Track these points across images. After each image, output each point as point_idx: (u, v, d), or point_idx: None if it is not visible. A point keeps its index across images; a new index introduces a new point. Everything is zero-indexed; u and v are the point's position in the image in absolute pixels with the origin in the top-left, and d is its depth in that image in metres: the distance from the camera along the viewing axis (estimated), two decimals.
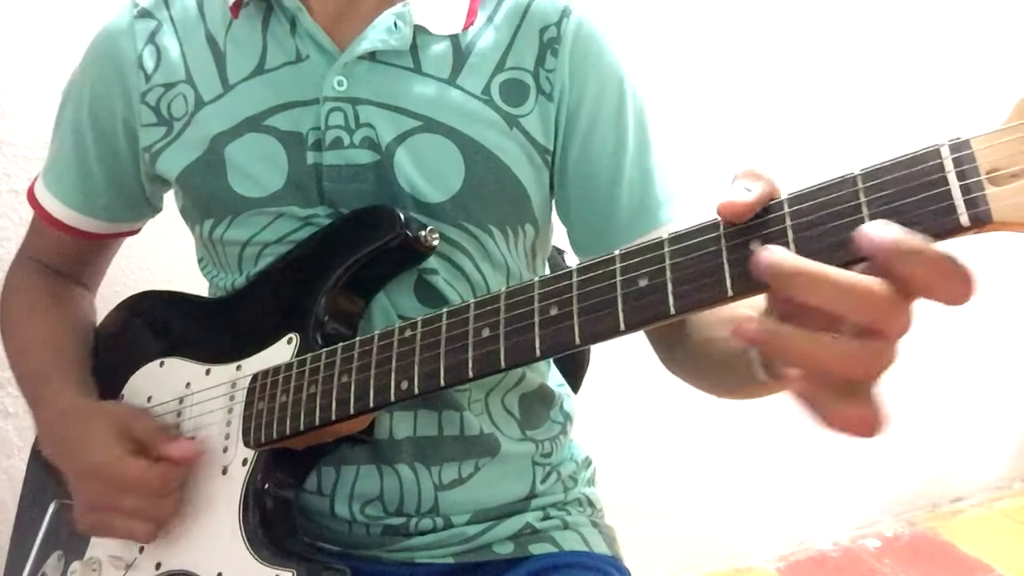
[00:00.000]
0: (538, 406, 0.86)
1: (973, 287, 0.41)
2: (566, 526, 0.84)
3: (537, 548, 0.81)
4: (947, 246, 0.41)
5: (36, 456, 0.88)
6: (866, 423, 0.45)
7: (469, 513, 0.80)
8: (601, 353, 1.05)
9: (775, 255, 0.42)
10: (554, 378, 0.90)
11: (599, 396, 1.18)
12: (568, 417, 0.89)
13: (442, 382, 0.59)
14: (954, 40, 1.91)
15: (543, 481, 0.84)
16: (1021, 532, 2.04)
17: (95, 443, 0.72)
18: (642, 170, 0.78)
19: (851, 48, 1.82)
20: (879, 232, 0.40)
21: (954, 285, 0.41)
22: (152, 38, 0.81)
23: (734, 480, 1.87)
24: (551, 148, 0.77)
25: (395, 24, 0.74)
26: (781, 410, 2.04)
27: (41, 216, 0.90)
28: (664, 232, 0.75)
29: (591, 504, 0.89)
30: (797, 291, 0.41)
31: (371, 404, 0.63)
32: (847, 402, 0.44)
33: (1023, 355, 2.13)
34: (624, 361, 1.36)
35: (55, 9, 1.21)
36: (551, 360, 0.90)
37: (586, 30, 0.77)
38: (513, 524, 0.81)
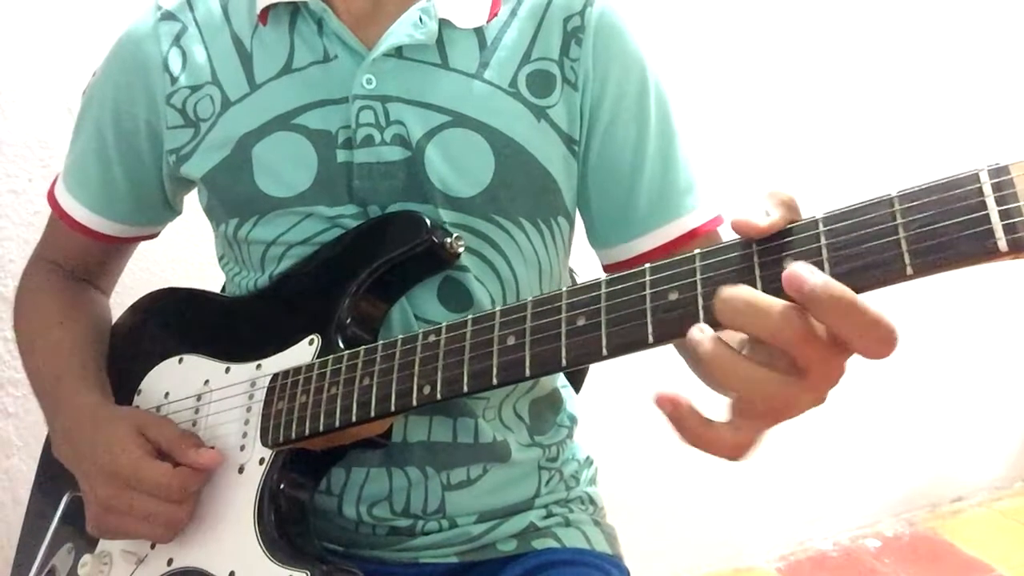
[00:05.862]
0: (546, 411, 0.86)
1: (893, 346, 0.43)
2: (568, 523, 0.84)
3: (539, 544, 0.82)
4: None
5: (47, 451, 0.87)
6: (734, 450, 0.47)
7: (475, 514, 0.80)
8: None
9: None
10: (560, 381, 0.90)
11: (600, 396, 1.18)
12: (573, 420, 0.90)
13: (465, 388, 0.59)
14: (987, 56, 1.91)
15: (547, 483, 0.85)
16: (1021, 532, 2.04)
17: (113, 444, 0.71)
18: (664, 160, 0.78)
19: (876, 51, 1.82)
20: (807, 274, 0.42)
21: (871, 343, 0.43)
22: (177, 40, 0.80)
23: (734, 480, 1.87)
24: (578, 138, 0.77)
25: (420, 19, 0.74)
26: None
27: (61, 218, 0.89)
28: (685, 222, 0.76)
29: (592, 502, 0.89)
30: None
31: (392, 408, 0.63)
32: (726, 428, 0.47)
33: (1023, 355, 2.13)
34: (625, 361, 1.35)
35: (55, 9, 1.21)
36: None
37: (609, 19, 0.77)
38: (517, 523, 0.82)
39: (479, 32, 0.76)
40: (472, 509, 0.80)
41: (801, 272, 0.43)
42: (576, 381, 1.01)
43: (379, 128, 0.74)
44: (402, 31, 0.73)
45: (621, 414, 1.67)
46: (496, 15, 0.76)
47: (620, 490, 1.20)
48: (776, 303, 0.44)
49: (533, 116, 0.75)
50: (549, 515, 0.84)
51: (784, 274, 0.43)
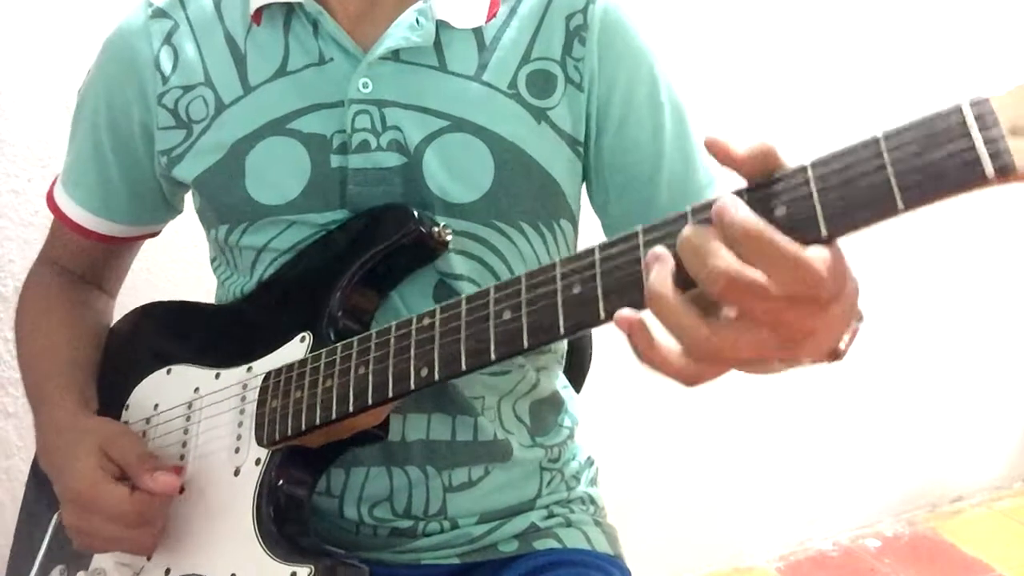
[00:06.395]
0: (547, 413, 0.86)
1: (816, 289, 0.44)
2: (569, 524, 0.84)
3: (541, 544, 0.81)
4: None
5: (37, 469, 0.86)
6: (685, 379, 0.48)
7: (476, 515, 0.80)
8: (602, 353, 1.05)
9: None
10: (560, 382, 0.90)
11: (600, 396, 1.18)
12: (575, 421, 0.89)
13: (463, 366, 0.58)
14: (969, 26, 1.91)
15: (548, 484, 0.84)
16: (1021, 532, 2.04)
17: (76, 465, 0.70)
18: (682, 155, 0.77)
19: (870, 42, 1.82)
20: (730, 204, 0.45)
21: (791, 283, 0.44)
22: (168, 39, 0.79)
23: (734, 480, 1.87)
24: (582, 139, 0.76)
25: (417, 21, 0.73)
26: (781, 410, 2.05)
27: (61, 220, 0.88)
28: None
29: (593, 502, 0.89)
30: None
31: (390, 394, 0.62)
32: (675, 355, 0.47)
33: (1023, 355, 2.13)
34: (625, 361, 1.35)
35: (55, 9, 1.21)
36: (559, 361, 0.90)
37: (613, 16, 0.76)
38: (518, 524, 0.82)
39: (477, 32, 0.75)
40: (473, 510, 0.80)
41: (725, 202, 0.45)
42: (577, 382, 1.01)
43: (375, 133, 0.73)
44: (399, 34, 0.73)
45: (622, 415, 1.67)
46: (495, 15, 0.75)
47: (621, 490, 1.20)
48: (709, 239, 0.45)
49: (533, 118, 0.74)
50: (550, 515, 0.83)
51: (713, 206, 0.45)
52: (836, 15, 1.78)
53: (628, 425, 1.71)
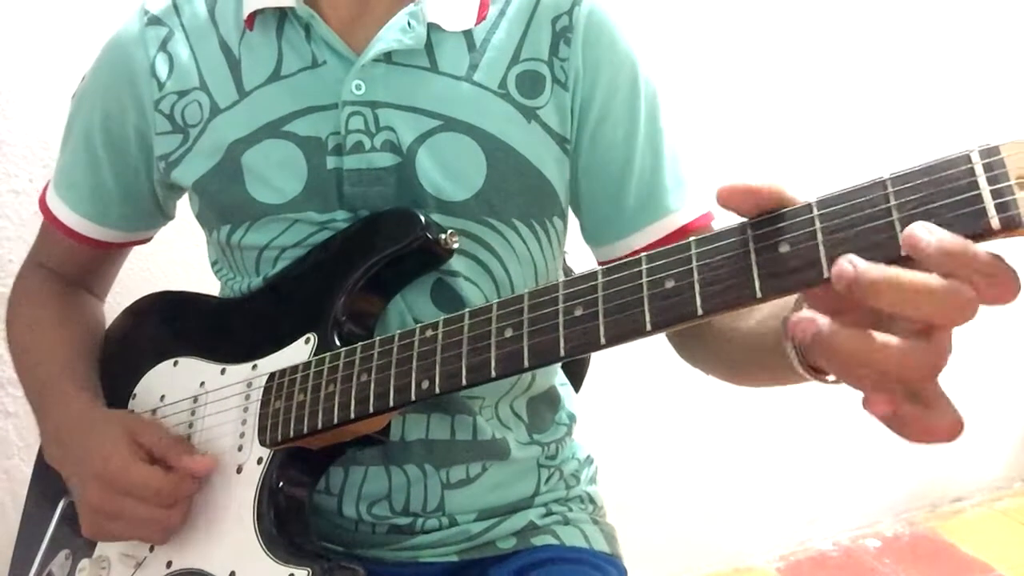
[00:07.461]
0: (545, 409, 0.86)
1: (1017, 288, 0.42)
2: (567, 522, 0.84)
3: (539, 541, 0.82)
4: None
5: (41, 458, 0.87)
6: (949, 428, 0.44)
7: (474, 512, 0.81)
8: (602, 352, 1.05)
9: (860, 270, 0.41)
10: (558, 379, 0.90)
11: (600, 396, 1.18)
12: (572, 418, 0.90)
13: (464, 381, 0.59)
14: (977, 45, 1.91)
15: (547, 481, 0.85)
16: (1021, 532, 2.04)
17: (104, 448, 0.71)
18: (653, 157, 0.78)
19: (868, 49, 1.82)
20: (924, 234, 0.40)
21: (994, 287, 0.41)
22: (164, 46, 0.80)
23: (734, 480, 1.87)
24: (569, 137, 0.77)
25: (408, 23, 0.74)
26: (780, 410, 2.04)
27: (52, 224, 0.89)
28: (674, 219, 0.76)
29: (592, 501, 0.89)
30: (872, 299, 0.41)
31: (391, 403, 0.63)
32: (925, 411, 0.43)
33: (1023, 355, 2.13)
34: (625, 361, 1.36)
35: (55, 9, 1.21)
36: None
37: (598, 17, 0.76)
38: (517, 521, 0.82)
39: (468, 35, 0.76)
40: (472, 507, 0.80)
41: (917, 232, 0.41)
42: (576, 380, 1.01)
43: (369, 134, 0.74)
44: (391, 37, 0.73)
45: (621, 413, 1.68)
46: (484, 17, 0.76)
47: (620, 489, 1.20)
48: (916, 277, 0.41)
49: (523, 117, 0.75)
50: (549, 513, 0.84)
51: (903, 237, 0.41)
52: (830, 16, 1.78)
53: (628, 424, 1.71)
